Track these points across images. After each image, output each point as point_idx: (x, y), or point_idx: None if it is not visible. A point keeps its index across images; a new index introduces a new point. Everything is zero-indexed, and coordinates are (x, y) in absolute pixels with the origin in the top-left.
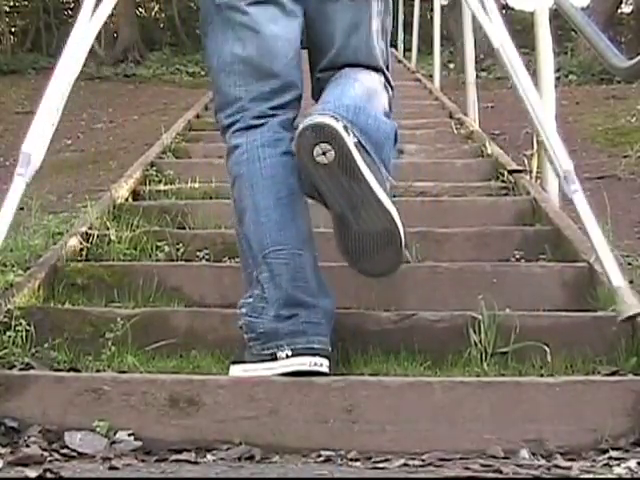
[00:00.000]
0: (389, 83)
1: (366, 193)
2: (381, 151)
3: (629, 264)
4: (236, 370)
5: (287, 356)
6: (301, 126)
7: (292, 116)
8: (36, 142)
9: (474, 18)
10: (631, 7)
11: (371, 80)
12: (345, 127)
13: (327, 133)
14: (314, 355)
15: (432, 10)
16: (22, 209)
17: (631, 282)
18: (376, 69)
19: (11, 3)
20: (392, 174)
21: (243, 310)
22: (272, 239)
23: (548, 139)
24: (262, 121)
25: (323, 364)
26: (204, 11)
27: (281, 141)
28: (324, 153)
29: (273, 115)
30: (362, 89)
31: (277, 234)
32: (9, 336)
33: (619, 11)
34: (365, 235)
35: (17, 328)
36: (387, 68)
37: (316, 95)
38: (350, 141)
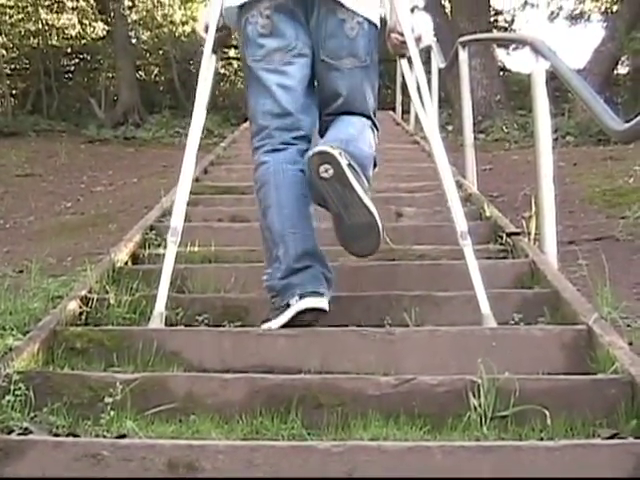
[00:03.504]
0: (375, 125)
1: (355, 197)
2: (364, 170)
3: (628, 326)
4: (263, 327)
5: (296, 301)
6: (310, 152)
7: (305, 148)
8: (179, 217)
9: (471, 80)
10: (627, 68)
11: (361, 123)
12: (340, 153)
13: (327, 157)
14: (319, 296)
15: (430, 73)
16: (21, 272)
17: (630, 344)
18: (366, 116)
19: (12, 65)
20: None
21: (265, 278)
22: (290, 224)
23: (452, 204)
24: (286, 146)
25: (324, 304)
26: (244, 70)
27: (298, 162)
28: (326, 171)
29: (294, 144)
30: (353, 129)
31: (294, 220)
32: (8, 400)
33: (615, 72)
34: (354, 227)
35: (16, 392)
36: (374, 114)
37: (322, 132)
38: (343, 162)
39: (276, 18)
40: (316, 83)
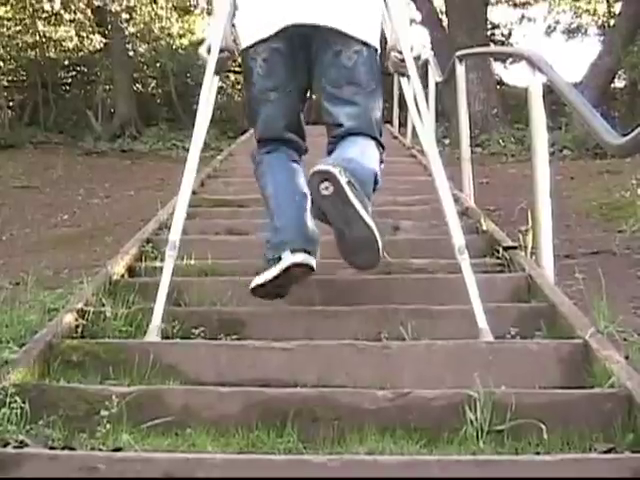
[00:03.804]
0: (381, 145)
1: (354, 213)
2: (365, 187)
3: (625, 340)
4: (255, 280)
5: (288, 255)
6: (312, 170)
7: (292, 150)
8: (178, 231)
9: (468, 94)
10: (624, 82)
11: (365, 143)
12: (340, 171)
13: (327, 175)
14: (307, 253)
15: (427, 87)
16: (18, 284)
17: (627, 357)
18: (371, 136)
19: (9, 77)
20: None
21: (263, 235)
22: (284, 193)
23: (449, 219)
24: (275, 148)
25: (311, 261)
26: (246, 90)
27: (287, 156)
28: (326, 188)
29: (281, 146)
30: (357, 149)
31: (287, 190)
32: (4, 413)
33: (612, 86)
34: (354, 241)
35: (12, 405)
36: (380, 134)
37: (329, 152)
38: (343, 180)
39: (271, 61)
40: (322, 110)
